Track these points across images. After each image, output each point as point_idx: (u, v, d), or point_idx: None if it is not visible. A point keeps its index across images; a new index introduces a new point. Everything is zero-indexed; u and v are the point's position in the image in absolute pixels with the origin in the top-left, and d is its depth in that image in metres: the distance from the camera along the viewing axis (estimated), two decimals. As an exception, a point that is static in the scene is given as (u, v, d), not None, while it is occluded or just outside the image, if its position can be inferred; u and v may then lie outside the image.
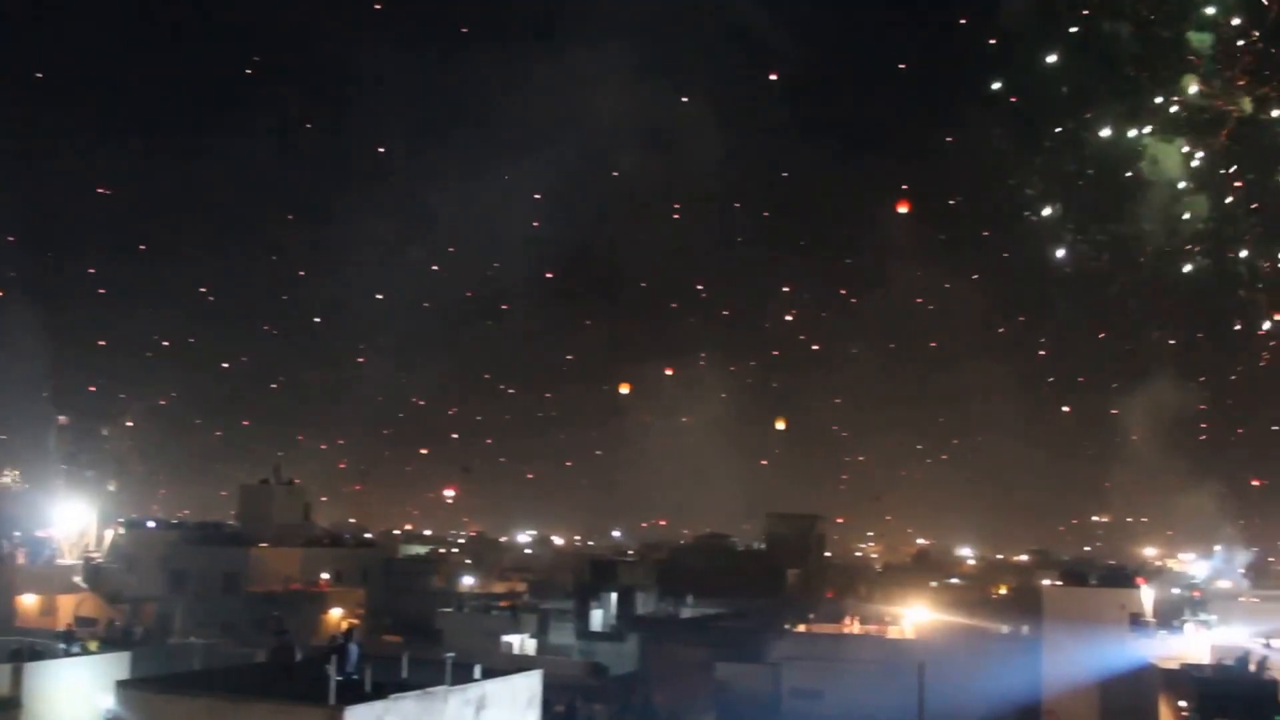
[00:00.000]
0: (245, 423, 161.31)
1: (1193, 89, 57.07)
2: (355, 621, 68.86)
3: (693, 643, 64.57)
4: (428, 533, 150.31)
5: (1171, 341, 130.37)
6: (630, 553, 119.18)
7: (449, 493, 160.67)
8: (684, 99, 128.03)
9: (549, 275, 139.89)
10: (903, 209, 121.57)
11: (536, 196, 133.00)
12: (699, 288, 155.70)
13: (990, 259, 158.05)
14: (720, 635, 66.98)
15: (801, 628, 66.96)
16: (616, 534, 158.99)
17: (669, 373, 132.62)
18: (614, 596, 73.50)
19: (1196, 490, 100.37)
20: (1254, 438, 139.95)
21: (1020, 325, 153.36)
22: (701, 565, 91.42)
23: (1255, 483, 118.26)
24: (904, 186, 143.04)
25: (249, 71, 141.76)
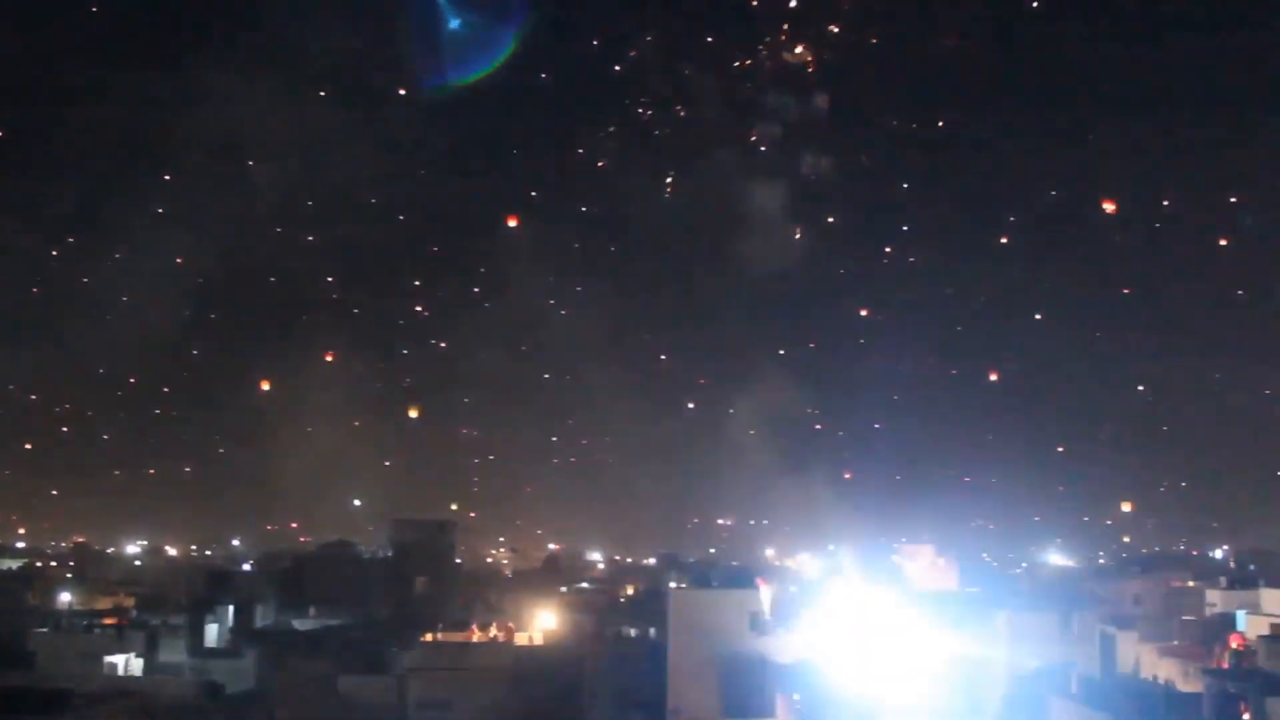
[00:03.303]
0: None
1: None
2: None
3: (315, 656, 62.45)
4: (22, 545, 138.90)
5: (781, 351, 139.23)
6: (250, 563, 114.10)
7: None
8: (321, 99, 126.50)
9: (178, 261, 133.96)
10: (512, 223, 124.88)
11: (166, 177, 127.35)
12: (329, 280, 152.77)
13: (619, 269, 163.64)
14: (345, 648, 65.14)
15: (429, 637, 65.56)
16: (236, 542, 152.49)
17: (298, 371, 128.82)
18: (231, 610, 70.28)
19: (807, 489, 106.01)
20: (855, 436, 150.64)
21: (644, 331, 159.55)
22: (326, 574, 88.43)
23: (846, 475, 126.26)
24: (532, 194, 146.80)
25: None
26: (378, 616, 75.12)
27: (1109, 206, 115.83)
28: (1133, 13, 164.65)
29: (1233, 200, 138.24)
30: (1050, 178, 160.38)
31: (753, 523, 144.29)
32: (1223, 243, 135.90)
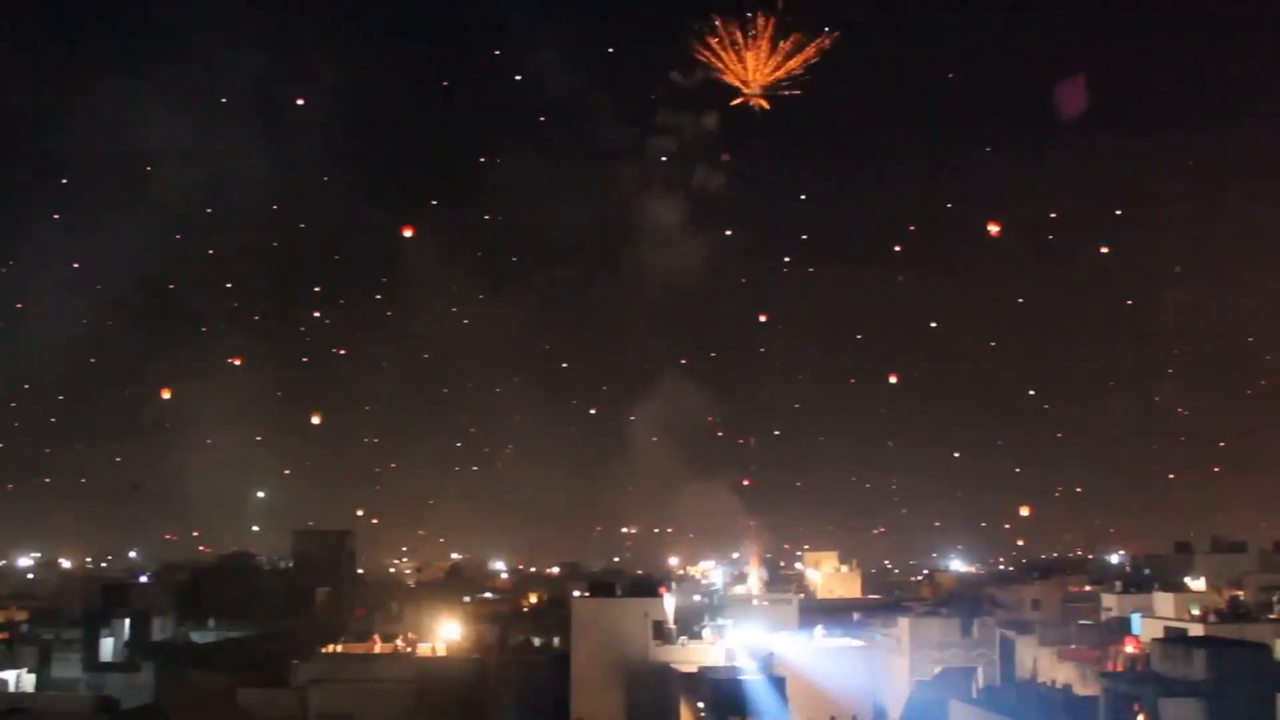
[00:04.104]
0: None
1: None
2: None
3: (215, 669, 61.51)
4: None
5: (684, 361, 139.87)
6: (148, 575, 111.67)
7: None
8: (221, 108, 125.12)
9: (75, 268, 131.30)
10: (408, 233, 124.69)
11: (64, 181, 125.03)
12: (229, 287, 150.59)
13: (521, 277, 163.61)
14: (245, 660, 64.17)
15: (331, 648, 64.77)
16: (133, 554, 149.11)
17: (197, 379, 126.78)
18: (127, 622, 68.84)
19: (710, 497, 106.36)
20: (756, 443, 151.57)
21: (545, 339, 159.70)
22: (225, 586, 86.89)
23: (746, 482, 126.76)
24: (433, 202, 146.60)
25: None
26: (278, 628, 73.94)
27: (994, 228, 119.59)
28: (1026, 29, 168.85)
29: (1118, 213, 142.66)
30: (945, 188, 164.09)
31: (656, 531, 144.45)
32: (1104, 250, 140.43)
